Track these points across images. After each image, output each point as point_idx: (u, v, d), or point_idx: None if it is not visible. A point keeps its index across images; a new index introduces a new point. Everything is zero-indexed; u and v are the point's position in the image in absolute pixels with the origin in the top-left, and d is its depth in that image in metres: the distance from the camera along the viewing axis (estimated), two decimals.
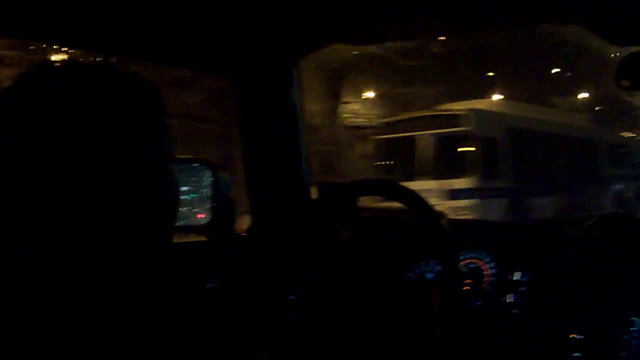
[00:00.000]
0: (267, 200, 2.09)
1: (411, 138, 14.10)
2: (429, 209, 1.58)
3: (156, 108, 0.88)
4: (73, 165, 0.78)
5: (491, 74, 20.36)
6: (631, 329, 1.48)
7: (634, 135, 23.19)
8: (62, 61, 0.84)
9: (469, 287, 1.77)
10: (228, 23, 1.70)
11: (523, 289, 1.75)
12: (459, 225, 1.56)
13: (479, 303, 1.77)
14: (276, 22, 1.74)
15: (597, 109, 24.51)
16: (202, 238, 1.93)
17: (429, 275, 1.85)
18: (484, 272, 1.80)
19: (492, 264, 1.80)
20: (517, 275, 1.77)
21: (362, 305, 1.59)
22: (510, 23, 1.97)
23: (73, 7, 1.38)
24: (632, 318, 1.49)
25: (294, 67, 2.05)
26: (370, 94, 20.03)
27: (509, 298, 1.76)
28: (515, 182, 14.02)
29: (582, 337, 1.55)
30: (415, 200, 1.61)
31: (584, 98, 24.54)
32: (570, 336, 1.56)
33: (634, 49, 1.38)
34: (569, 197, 15.35)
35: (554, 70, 22.55)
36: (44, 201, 0.78)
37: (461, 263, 1.83)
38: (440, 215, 1.60)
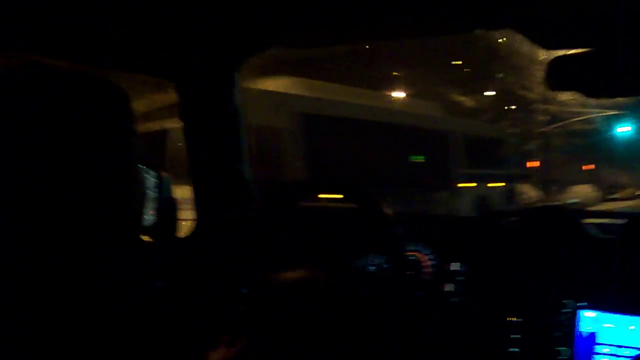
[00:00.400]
0: (211, 199, 2.12)
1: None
2: (374, 201, 1.64)
3: (123, 110, 0.91)
4: (38, 167, 0.80)
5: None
6: (563, 310, 1.60)
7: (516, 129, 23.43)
8: (29, 65, 0.84)
9: (410, 278, 1.85)
10: (170, 25, 1.72)
11: (461, 278, 1.85)
12: (397, 218, 1.62)
13: (420, 293, 1.85)
14: (217, 26, 1.78)
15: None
16: (147, 238, 1.94)
17: (372, 268, 1.92)
18: (424, 264, 1.89)
19: (431, 256, 1.89)
20: (455, 266, 1.87)
21: (308, 299, 1.63)
22: (443, 29, 2.06)
23: None
24: (564, 301, 1.60)
25: (236, 70, 2.09)
26: None
27: (449, 287, 1.85)
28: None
29: (519, 319, 1.65)
30: (360, 194, 1.66)
31: (480, 92, 25.16)
32: (508, 319, 1.66)
33: (560, 52, 1.49)
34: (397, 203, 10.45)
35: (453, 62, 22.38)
36: (11, 202, 0.79)
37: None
38: (384, 207, 1.65)
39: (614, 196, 28.73)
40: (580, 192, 26.63)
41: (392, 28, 1.90)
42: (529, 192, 21.49)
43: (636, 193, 31.07)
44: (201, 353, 1.31)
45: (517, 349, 1.66)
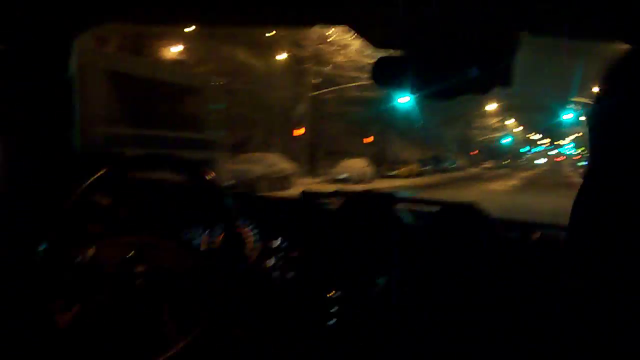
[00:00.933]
0: (39, 168, 2.05)
1: None
2: (206, 176, 1.69)
3: None
4: None
5: None
6: (377, 288, 1.78)
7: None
8: None
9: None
10: None
11: (282, 254, 1.97)
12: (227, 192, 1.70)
13: (243, 267, 1.94)
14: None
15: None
16: None
17: (197, 242, 1.99)
18: (248, 240, 1.98)
19: (254, 232, 1.99)
20: (276, 242, 1.98)
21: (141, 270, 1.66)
22: (285, 22, 2.15)
23: None
24: (378, 278, 1.79)
25: (73, 40, 2.02)
26: None
27: (270, 262, 1.97)
28: None
29: (338, 293, 1.81)
30: (193, 168, 1.71)
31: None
32: (329, 294, 1.82)
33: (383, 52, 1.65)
34: None
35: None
36: None
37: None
38: (217, 181, 1.71)
39: (392, 173, 30.14)
40: (354, 167, 26.59)
41: (226, 13, 1.94)
42: (281, 164, 20.95)
43: (416, 172, 33.02)
44: None
45: (334, 321, 1.82)
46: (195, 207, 2.04)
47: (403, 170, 32.41)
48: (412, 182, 27.70)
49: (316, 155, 28.30)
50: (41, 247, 1.56)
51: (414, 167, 34.45)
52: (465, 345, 1.67)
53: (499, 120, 61.61)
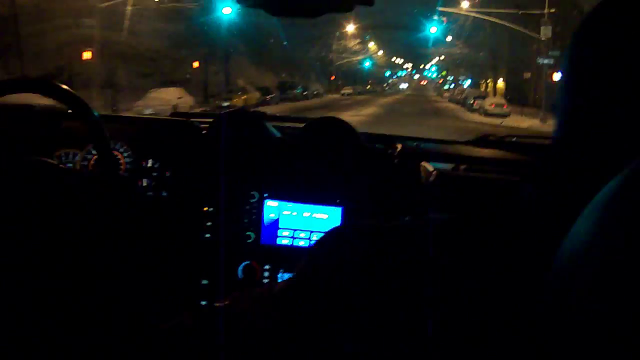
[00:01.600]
0: None
1: None
2: (81, 101, 1.69)
3: None
4: None
5: None
6: (250, 200, 1.88)
7: None
8: None
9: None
10: None
11: (155, 174, 2.01)
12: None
13: (118, 189, 1.96)
14: None
15: None
16: None
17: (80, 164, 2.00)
18: (120, 160, 2.00)
19: (127, 153, 2.01)
20: (149, 162, 2.01)
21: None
22: None
23: None
24: (251, 192, 1.88)
25: None
26: None
27: (145, 182, 2.00)
28: None
29: (212, 209, 1.89)
30: (65, 94, 1.69)
31: None
32: (204, 209, 1.89)
33: None
34: None
35: None
36: None
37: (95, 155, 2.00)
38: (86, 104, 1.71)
39: (222, 104, 27.04)
40: (164, 99, 22.86)
41: None
42: None
43: (255, 102, 30.26)
44: None
45: (209, 235, 1.91)
46: (66, 130, 2.02)
47: (236, 101, 28.74)
48: None
49: (117, 84, 24.05)
50: None
51: (253, 96, 31.67)
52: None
53: (358, 43, 62.85)
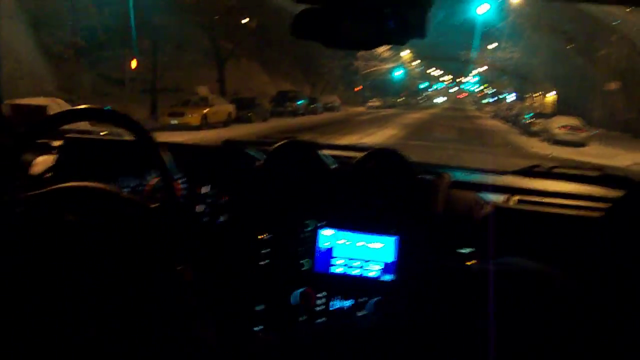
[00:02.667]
0: None
1: None
2: (138, 126, 1.76)
3: None
4: None
5: None
6: (305, 228, 1.93)
7: None
8: None
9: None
10: None
11: (210, 200, 2.07)
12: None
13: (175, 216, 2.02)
14: None
15: None
16: None
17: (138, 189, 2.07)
18: (177, 187, 2.06)
19: (182, 180, 2.07)
20: (206, 189, 2.08)
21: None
22: None
23: None
24: (306, 220, 1.93)
25: None
26: None
27: (200, 208, 2.07)
28: None
29: (268, 236, 1.94)
30: (125, 120, 1.77)
31: None
32: (260, 236, 1.94)
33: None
34: None
35: None
36: None
37: (155, 180, 2.07)
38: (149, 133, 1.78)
39: (173, 121, 20.64)
40: None
41: None
42: None
43: (224, 119, 23.26)
44: None
45: (266, 262, 1.96)
46: (128, 158, 2.10)
47: (190, 118, 21.20)
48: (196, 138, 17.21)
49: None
50: None
51: (220, 111, 23.51)
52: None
53: (389, 49, 52.62)
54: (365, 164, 1.99)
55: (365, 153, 2.03)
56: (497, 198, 1.93)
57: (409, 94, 77.78)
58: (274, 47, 35.01)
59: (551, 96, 41.53)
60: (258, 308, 1.95)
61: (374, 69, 55.10)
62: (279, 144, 2.10)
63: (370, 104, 52.50)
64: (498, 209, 1.84)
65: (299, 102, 33.62)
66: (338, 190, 2.00)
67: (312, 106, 35.34)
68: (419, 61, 74.68)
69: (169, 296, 1.97)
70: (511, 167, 2.31)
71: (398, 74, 64.11)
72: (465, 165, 2.30)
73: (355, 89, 55.29)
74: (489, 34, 47.26)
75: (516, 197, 1.94)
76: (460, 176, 2.14)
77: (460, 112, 54.91)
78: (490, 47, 51.79)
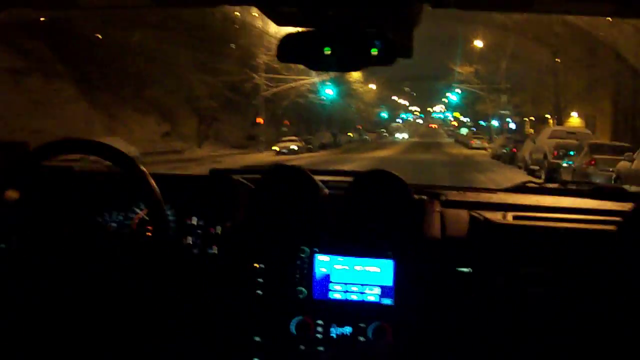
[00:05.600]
0: None
1: None
2: (128, 159, 1.75)
3: None
4: None
5: None
6: (301, 255, 1.92)
7: None
8: None
9: (150, 234, 2.00)
10: None
11: (199, 231, 2.06)
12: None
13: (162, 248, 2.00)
14: None
15: None
16: None
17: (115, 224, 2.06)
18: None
19: (170, 211, 2.05)
20: (194, 220, 2.06)
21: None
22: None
23: None
24: (301, 247, 1.92)
25: None
26: None
27: (189, 240, 2.05)
28: None
29: (262, 265, 1.93)
30: (108, 151, 1.76)
31: None
32: (254, 265, 1.93)
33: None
34: None
35: None
36: None
37: (144, 212, 2.06)
38: (134, 162, 1.77)
39: None
40: None
41: None
42: None
43: None
44: None
45: (262, 291, 1.95)
46: (115, 191, 2.08)
47: None
48: None
49: None
50: None
51: None
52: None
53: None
54: (359, 187, 1.99)
55: (357, 175, 2.05)
56: (492, 215, 1.94)
57: (365, 128, 65.30)
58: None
59: (575, 118, 32.94)
60: (256, 339, 1.93)
61: (287, 85, 36.05)
62: (269, 169, 2.10)
63: (281, 145, 34.86)
64: (495, 226, 1.85)
65: None
66: (332, 215, 2.00)
67: None
68: (373, 85, 59.26)
69: (162, 329, 1.95)
70: None
71: (329, 93, 43.51)
72: (456, 185, 2.32)
73: (258, 120, 36.89)
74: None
75: (511, 214, 1.95)
76: (453, 195, 2.15)
77: (437, 151, 41.01)
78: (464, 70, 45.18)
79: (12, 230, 1.84)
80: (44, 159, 1.81)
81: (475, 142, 44.42)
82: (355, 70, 1.79)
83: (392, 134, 74.94)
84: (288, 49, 1.70)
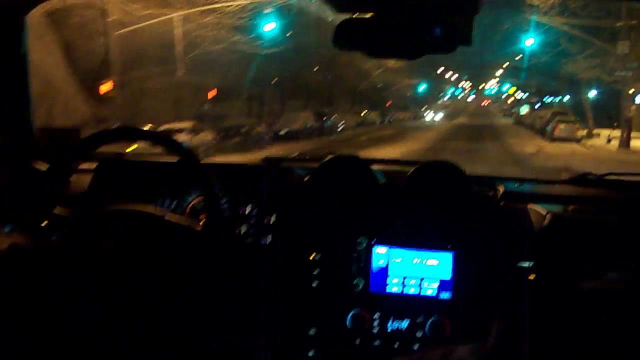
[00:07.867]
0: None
1: None
2: (181, 146, 1.76)
3: None
4: None
5: None
6: (358, 247, 1.90)
7: None
8: None
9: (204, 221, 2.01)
10: None
11: (253, 221, 2.05)
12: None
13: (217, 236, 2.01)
14: None
15: None
16: None
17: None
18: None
19: (224, 200, 2.05)
20: (248, 208, 2.06)
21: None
22: None
23: None
24: (359, 239, 1.91)
25: (24, 16, 2.01)
26: None
27: (244, 228, 2.05)
28: None
29: (318, 256, 1.92)
30: (166, 141, 1.77)
31: None
32: (310, 256, 1.92)
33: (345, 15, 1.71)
34: None
35: None
36: None
37: (195, 200, 2.07)
38: (191, 152, 1.78)
39: None
40: None
41: None
42: None
43: None
44: None
45: (317, 283, 1.95)
46: (164, 179, 2.10)
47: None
48: None
49: None
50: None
51: None
52: None
53: None
54: (419, 177, 1.97)
55: (418, 166, 2.03)
56: (553, 208, 1.90)
57: (401, 105, 52.76)
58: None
59: None
60: (311, 332, 1.94)
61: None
62: (327, 159, 2.09)
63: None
64: (558, 219, 1.81)
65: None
66: (390, 206, 1.98)
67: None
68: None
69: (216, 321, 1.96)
70: None
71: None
72: (515, 176, 2.27)
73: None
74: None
75: (571, 207, 1.91)
76: (512, 187, 2.12)
77: (497, 144, 25.12)
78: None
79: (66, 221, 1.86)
80: (96, 147, 1.83)
81: (562, 129, 26.80)
82: (415, 57, 1.76)
83: (420, 116, 54.71)
84: (345, 35, 1.68)
